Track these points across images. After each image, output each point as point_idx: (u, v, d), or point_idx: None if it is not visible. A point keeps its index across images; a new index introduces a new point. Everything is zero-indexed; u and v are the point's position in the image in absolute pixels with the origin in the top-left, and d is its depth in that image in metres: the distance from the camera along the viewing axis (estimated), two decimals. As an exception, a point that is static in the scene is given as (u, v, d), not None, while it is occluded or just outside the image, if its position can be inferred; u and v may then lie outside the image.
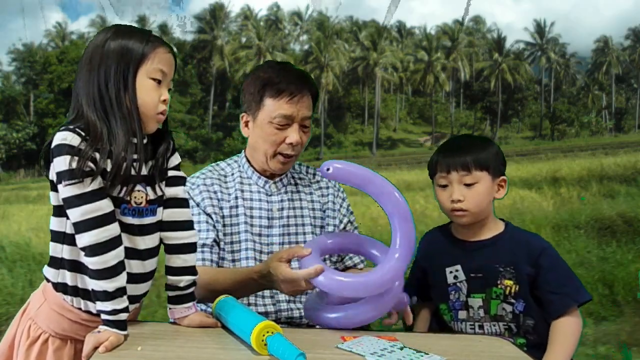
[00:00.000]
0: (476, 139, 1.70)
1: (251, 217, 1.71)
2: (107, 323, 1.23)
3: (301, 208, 1.76)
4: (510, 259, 1.58)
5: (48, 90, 39.63)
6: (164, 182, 1.34)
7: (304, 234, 1.74)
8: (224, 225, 1.70)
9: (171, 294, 1.39)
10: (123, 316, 1.24)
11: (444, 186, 1.62)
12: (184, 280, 1.37)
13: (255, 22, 46.73)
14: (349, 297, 1.45)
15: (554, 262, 1.57)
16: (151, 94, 1.27)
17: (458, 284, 1.63)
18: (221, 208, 1.71)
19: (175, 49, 1.35)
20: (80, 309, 1.30)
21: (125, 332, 1.25)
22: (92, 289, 1.24)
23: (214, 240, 1.68)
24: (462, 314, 1.63)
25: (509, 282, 1.58)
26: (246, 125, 1.73)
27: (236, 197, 1.72)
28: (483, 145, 1.63)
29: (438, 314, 1.70)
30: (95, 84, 1.25)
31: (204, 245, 1.66)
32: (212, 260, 1.66)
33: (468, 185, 1.59)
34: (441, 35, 48.79)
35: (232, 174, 1.77)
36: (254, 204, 1.72)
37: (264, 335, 1.20)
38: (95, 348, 1.20)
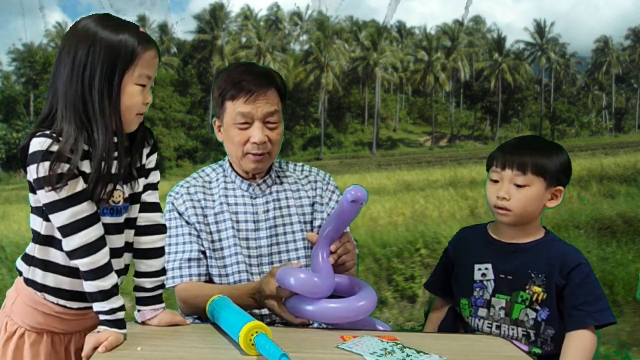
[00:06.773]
0: (545, 143, 1.64)
1: (237, 222, 1.69)
2: (106, 323, 1.24)
3: (288, 207, 1.74)
4: (544, 267, 1.57)
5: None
6: (142, 178, 1.34)
7: (293, 232, 1.72)
8: (210, 233, 1.69)
9: (138, 295, 1.38)
10: (120, 315, 1.25)
11: (495, 181, 1.60)
12: (149, 281, 1.37)
13: (255, 22, 46.68)
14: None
15: (585, 279, 1.55)
16: (135, 99, 1.26)
17: (485, 282, 1.62)
18: (205, 216, 1.70)
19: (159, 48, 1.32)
20: (52, 302, 1.30)
21: (124, 331, 1.25)
22: (88, 292, 1.24)
23: (200, 251, 1.67)
24: (482, 312, 1.62)
25: (537, 289, 1.56)
26: (219, 130, 1.73)
27: (221, 203, 1.71)
28: (549, 152, 1.59)
29: (456, 308, 1.70)
30: (79, 88, 1.21)
31: (190, 259, 1.66)
32: (199, 275, 1.66)
33: (519, 186, 1.56)
34: (441, 35, 48.74)
35: (217, 179, 1.76)
36: (239, 209, 1.71)
37: (252, 335, 1.20)
38: (95, 348, 1.20)
